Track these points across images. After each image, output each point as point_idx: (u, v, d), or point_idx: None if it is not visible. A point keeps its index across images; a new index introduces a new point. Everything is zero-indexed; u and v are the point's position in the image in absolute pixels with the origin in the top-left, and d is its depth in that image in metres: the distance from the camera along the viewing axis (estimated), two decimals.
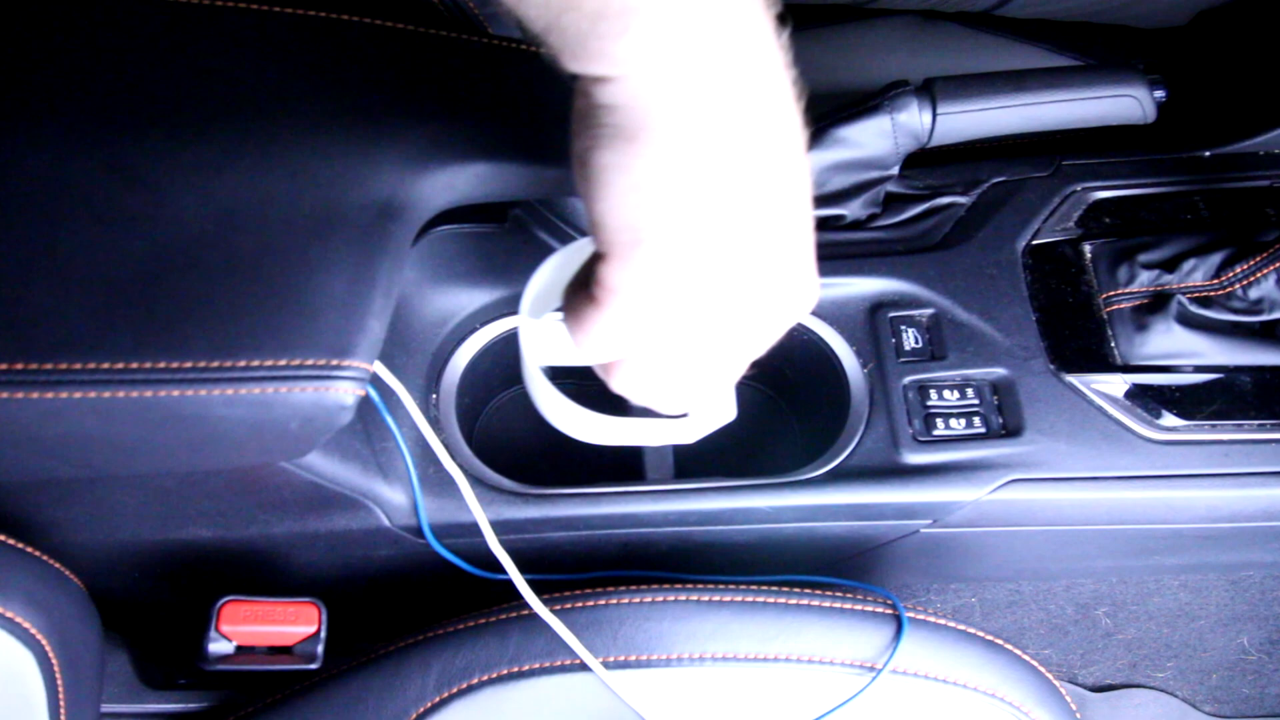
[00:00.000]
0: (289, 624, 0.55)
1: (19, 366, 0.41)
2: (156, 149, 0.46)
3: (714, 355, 0.38)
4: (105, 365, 0.42)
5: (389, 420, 0.54)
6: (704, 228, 0.34)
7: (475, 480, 0.57)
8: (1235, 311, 0.65)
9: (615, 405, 0.46)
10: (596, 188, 0.34)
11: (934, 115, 0.67)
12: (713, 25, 0.31)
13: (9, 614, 0.45)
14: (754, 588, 0.56)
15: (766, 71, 0.33)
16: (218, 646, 0.54)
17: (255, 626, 0.55)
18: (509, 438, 0.74)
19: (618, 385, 0.40)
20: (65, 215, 0.44)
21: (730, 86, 0.32)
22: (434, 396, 0.61)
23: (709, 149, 0.33)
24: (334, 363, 0.43)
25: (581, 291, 0.38)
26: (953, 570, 0.85)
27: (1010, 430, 0.62)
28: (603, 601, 0.55)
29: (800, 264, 0.37)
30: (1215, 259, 0.66)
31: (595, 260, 0.36)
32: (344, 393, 0.44)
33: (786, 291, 0.37)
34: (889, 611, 0.55)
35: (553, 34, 0.31)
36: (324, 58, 0.49)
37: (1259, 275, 0.65)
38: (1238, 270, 0.65)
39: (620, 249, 0.35)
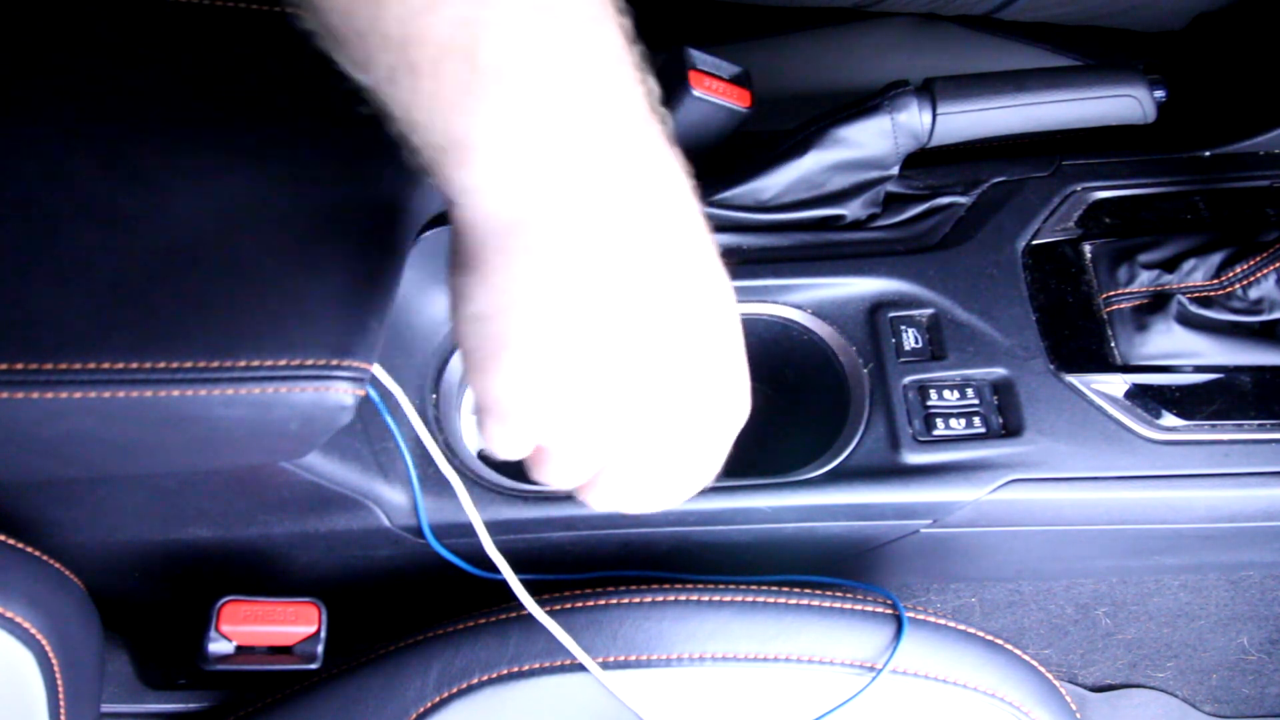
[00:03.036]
0: (289, 624, 0.55)
1: (19, 366, 0.41)
2: (156, 149, 0.46)
3: (642, 462, 0.37)
4: (105, 365, 0.42)
5: (389, 420, 0.54)
6: (563, 342, 0.33)
7: (474, 481, 0.57)
8: (1235, 311, 0.65)
9: None
10: (451, 309, 0.35)
11: (934, 115, 0.67)
12: (565, 146, 0.30)
13: (9, 614, 0.45)
14: (754, 588, 0.56)
15: (634, 180, 0.32)
16: (218, 646, 0.54)
17: (255, 626, 0.55)
18: None
19: (540, 478, 0.39)
20: (65, 215, 0.44)
21: (589, 204, 0.31)
22: (434, 397, 0.61)
23: (558, 269, 0.32)
24: (334, 363, 0.43)
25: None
26: (953, 570, 0.85)
27: (1010, 430, 0.62)
28: (602, 601, 0.55)
29: (710, 359, 0.35)
30: (1215, 259, 0.66)
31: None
32: (344, 393, 0.44)
33: (699, 395, 0.35)
34: (889, 611, 0.55)
35: (420, 159, 0.32)
36: (325, 57, 0.49)
37: (1259, 275, 0.65)
38: (1238, 270, 0.65)
39: (477, 366, 0.35)
